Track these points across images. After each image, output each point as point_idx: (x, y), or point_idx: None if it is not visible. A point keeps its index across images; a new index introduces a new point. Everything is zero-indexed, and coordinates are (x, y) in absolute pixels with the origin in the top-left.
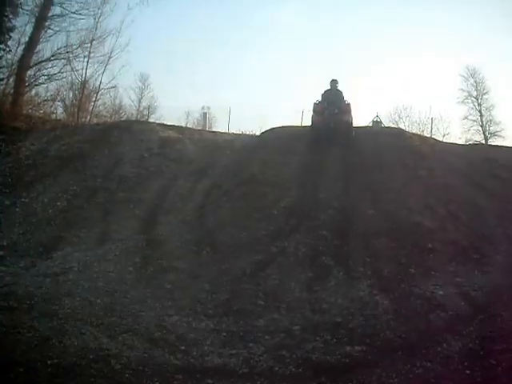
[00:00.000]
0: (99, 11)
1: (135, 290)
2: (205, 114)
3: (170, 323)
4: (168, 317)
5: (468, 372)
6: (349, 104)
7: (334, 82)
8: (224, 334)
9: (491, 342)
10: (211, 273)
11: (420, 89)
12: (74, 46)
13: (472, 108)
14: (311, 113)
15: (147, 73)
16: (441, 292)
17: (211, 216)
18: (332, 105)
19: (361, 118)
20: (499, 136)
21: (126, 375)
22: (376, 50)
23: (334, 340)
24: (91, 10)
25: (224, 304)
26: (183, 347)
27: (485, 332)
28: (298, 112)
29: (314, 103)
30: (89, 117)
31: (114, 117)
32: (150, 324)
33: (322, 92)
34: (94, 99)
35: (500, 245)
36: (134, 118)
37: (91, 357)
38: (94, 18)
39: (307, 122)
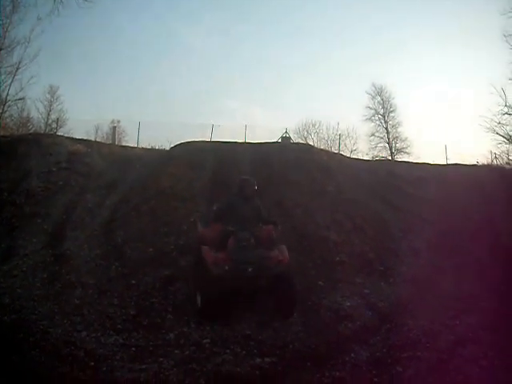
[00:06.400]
0: (8, 20)
1: (43, 306)
2: (114, 127)
3: (79, 339)
4: (76, 332)
5: (376, 380)
6: (276, 225)
7: (246, 183)
8: (133, 348)
9: (398, 351)
10: (120, 288)
11: (328, 105)
12: None
13: (379, 125)
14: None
15: (56, 85)
16: (348, 303)
17: (120, 231)
18: (244, 227)
19: (270, 134)
20: (405, 152)
21: None
22: (285, 67)
23: (244, 352)
24: None
25: (133, 319)
26: (92, 363)
27: (392, 341)
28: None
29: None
30: None
31: (21, 129)
32: (58, 340)
33: (221, 200)
34: (0, 111)
35: (404, 256)
36: (42, 131)
37: None
38: (3, 27)
39: (216, 137)
